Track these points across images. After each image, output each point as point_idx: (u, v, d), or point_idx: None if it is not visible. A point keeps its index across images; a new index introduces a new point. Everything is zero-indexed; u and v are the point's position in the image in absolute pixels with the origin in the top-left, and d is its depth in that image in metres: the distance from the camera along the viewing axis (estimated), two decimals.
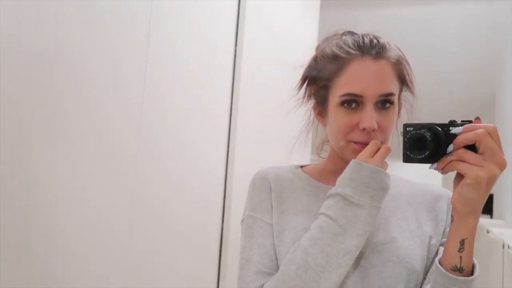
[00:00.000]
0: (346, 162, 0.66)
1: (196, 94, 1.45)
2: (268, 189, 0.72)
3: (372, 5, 2.16)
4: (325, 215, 0.61)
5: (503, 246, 1.82)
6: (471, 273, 0.59)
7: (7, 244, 0.88)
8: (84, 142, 1.05)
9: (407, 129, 0.60)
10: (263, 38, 1.76)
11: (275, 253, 0.67)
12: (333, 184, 0.65)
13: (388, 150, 0.63)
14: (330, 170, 0.75)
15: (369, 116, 0.63)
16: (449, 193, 0.73)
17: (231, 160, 1.61)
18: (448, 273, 0.58)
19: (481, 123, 0.57)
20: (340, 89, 0.65)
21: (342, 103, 0.65)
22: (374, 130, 0.63)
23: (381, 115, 0.64)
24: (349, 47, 0.65)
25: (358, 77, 0.64)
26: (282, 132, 1.56)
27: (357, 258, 0.63)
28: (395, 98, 0.66)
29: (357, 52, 0.65)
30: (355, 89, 0.63)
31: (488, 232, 2.20)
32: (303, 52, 0.77)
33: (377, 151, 0.62)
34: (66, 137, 1.00)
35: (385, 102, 0.65)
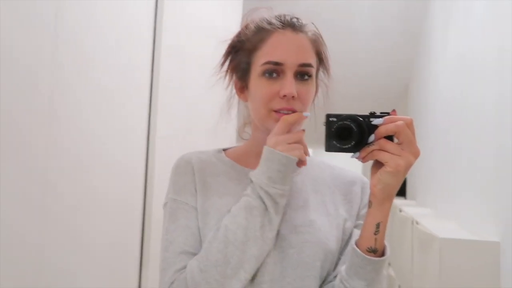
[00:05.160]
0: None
1: (113, 96, 1.35)
2: (191, 173, 0.72)
3: None
4: (244, 195, 0.65)
5: (412, 223, 2.02)
6: (383, 253, 0.64)
7: None
8: None
9: (330, 119, 0.62)
10: (185, 24, 1.70)
11: (200, 235, 0.67)
12: (256, 166, 0.67)
13: (302, 117, 0.66)
14: (253, 151, 0.75)
15: (288, 83, 0.66)
16: (363, 178, 0.78)
17: (151, 157, 1.54)
18: (364, 254, 0.62)
19: (397, 114, 0.61)
20: (261, 58, 0.68)
21: (263, 73, 0.68)
22: (293, 97, 0.66)
23: (300, 85, 0.68)
24: (270, 21, 0.69)
25: (279, 47, 0.67)
26: (204, 117, 1.53)
27: (278, 239, 0.66)
28: (313, 71, 0.70)
29: (279, 24, 0.68)
30: (275, 57, 0.67)
31: (400, 211, 2.42)
32: (223, 39, 0.76)
33: (286, 127, 0.64)
34: None
35: (303, 74, 0.68)
